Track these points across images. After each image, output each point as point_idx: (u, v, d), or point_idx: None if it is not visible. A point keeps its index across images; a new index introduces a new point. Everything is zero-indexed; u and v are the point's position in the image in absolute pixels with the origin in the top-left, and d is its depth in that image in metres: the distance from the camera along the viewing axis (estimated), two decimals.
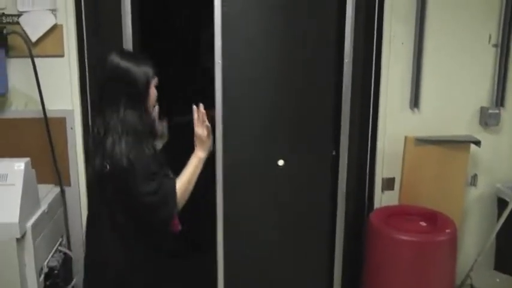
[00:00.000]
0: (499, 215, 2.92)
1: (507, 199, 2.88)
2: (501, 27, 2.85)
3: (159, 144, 2.21)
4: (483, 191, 3.07)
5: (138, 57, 2.07)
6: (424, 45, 2.81)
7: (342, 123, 2.88)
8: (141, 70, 1.99)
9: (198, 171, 2.03)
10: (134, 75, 1.97)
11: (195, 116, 2.06)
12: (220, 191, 2.85)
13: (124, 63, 1.98)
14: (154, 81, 2.05)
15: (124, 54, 2.06)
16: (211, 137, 2.07)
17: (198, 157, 2.03)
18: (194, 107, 2.06)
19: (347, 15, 2.76)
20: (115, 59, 1.99)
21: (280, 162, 2.90)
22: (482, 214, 3.10)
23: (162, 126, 2.26)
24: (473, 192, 3.07)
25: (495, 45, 2.87)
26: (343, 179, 2.95)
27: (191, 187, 2.01)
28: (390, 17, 2.76)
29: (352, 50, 2.79)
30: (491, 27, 2.86)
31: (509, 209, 2.79)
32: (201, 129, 2.04)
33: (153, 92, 2.05)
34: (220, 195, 2.86)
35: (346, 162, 2.94)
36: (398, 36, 2.79)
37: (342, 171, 2.94)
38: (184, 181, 2.00)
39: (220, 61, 2.69)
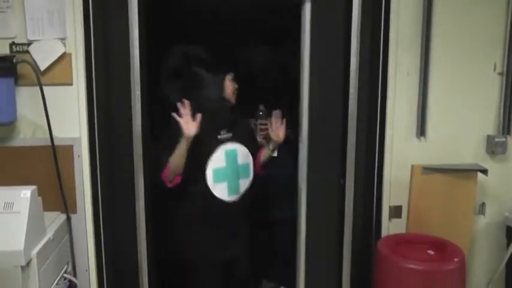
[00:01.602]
0: (508, 243, 2.89)
1: None
2: (506, 55, 2.85)
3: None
4: (491, 220, 3.04)
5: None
6: (429, 74, 2.82)
7: (348, 152, 2.88)
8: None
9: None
10: None
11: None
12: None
13: None
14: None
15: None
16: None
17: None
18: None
19: (352, 46, 2.78)
20: None
21: None
22: (491, 243, 3.06)
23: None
24: (482, 221, 3.04)
25: (500, 74, 2.88)
26: (350, 206, 2.94)
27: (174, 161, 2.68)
28: (396, 47, 2.78)
29: (357, 80, 2.82)
30: (496, 56, 2.87)
31: None
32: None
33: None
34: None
35: (352, 190, 2.93)
36: (404, 66, 2.81)
37: (348, 199, 2.93)
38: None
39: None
